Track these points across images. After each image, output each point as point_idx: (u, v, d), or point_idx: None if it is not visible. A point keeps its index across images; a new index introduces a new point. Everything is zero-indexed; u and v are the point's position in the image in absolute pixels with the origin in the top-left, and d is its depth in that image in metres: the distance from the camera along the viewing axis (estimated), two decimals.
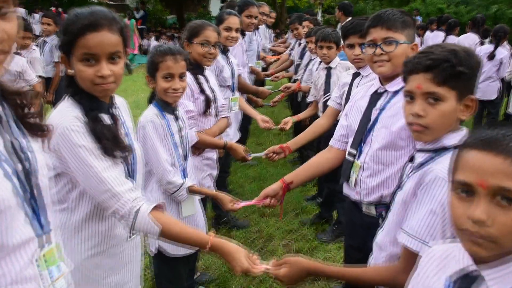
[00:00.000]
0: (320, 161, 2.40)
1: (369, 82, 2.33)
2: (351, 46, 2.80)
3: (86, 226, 1.67)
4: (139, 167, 1.80)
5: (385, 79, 2.09)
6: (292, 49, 6.70)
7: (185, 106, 2.75)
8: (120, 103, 1.83)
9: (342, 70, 3.83)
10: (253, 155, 3.07)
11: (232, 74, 3.76)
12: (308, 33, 4.87)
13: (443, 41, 7.97)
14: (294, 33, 6.24)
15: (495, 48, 6.85)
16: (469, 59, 1.45)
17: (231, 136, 3.84)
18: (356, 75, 2.94)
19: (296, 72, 5.84)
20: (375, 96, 2.12)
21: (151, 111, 2.38)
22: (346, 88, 2.93)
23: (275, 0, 25.39)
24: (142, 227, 1.57)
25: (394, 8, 2.08)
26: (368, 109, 2.12)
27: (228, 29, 3.66)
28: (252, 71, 5.66)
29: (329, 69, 3.92)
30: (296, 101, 5.59)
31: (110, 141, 1.58)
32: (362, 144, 2.12)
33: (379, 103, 2.09)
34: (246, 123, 5.06)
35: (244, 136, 5.73)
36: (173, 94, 2.35)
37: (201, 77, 2.94)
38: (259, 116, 3.85)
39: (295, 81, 5.79)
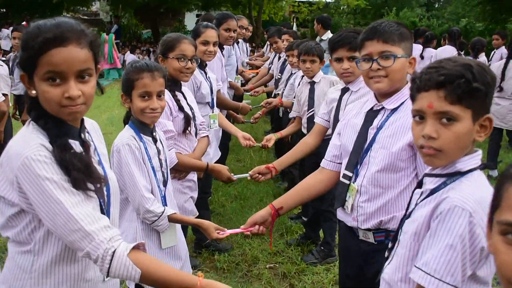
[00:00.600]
0: (311, 183, 2.23)
1: (363, 98, 2.18)
2: (339, 59, 2.66)
3: (54, 270, 1.44)
4: (114, 199, 1.59)
5: (382, 95, 1.95)
6: (271, 63, 6.58)
7: (164, 125, 2.56)
8: (91, 126, 1.63)
9: (326, 84, 3.70)
10: (237, 176, 2.88)
11: (211, 90, 3.57)
12: (289, 46, 4.74)
13: (421, 53, 7.97)
14: (273, 47, 6.12)
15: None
16: (484, 74, 1.30)
17: (211, 155, 3.64)
18: (344, 90, 2.79)
19: (276, 86, 5.71)
20: (371, 114, 1.97)
21: (127, 133, 2.17)
22: (335, 105, 2.77)
23: (251, 14, 25.45)
24: (120, 271, 1.35)
25: (390, 20, 1.96)
26: (364, 127, 1.97)
27: (206, 43, 3.47)
28: (232, 86, 5.49)
29: (312, 84, 3.78)
30: (277, 116, 5.44)
31: (81, 172, 1.37)
32: (358, 166, 1.97)
33: (376, 122, 1.94)
34: (225, 139, 4.88)
35: (224, 154, 5.53)
36: (151, 114, 2.16)
37: (178, 94, 2.76)
38: (240, 133, 3.67)
39: (275, 96, 5.65)
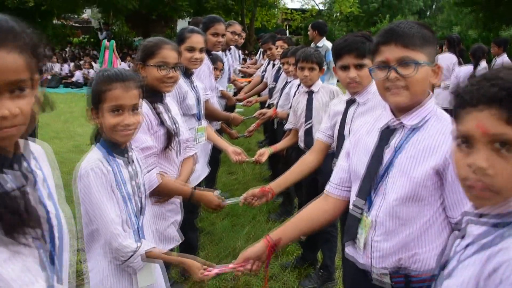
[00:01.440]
0: (314, 215, 1.89)
1: (375, 112, 1.85)
2: (345, 67, 2.32)
3: None
4: (67, 242, 1.24)
5: (400, 109, 1.61)
6: (265, 70, 6.25)
7: (142, 141, 2.22)
8: (40, 150, 1.28)
9: (326, 94, 3.38)
10: (228, 201, 2.54)
11: (198, 100, 3.23)
12: (284, 53, 4.41)
13: None
14: (267, 53, 5.79)
15: (475, 68, 6.58)
16: None
17: (199, 171, 3.30)
18: (350, 102, 2.46)
19: (270, 96, 5.38)
20: (387, 132, 1.64)
21: (95, 155, 1.82)
22: (339, 118, 2.45)
23: (244, 21, 25.26)
24: None
25: (409, 20, 1.64)
26: (379, 148, 1.63)
27: (191, 49, 3.11)
28: (223, 96, 5.16)
29: (310, 94, 3.45)
30: (271, 127, 5.09)
31: (13, 217, 1.02)
32: (372, 194, 1.63)
33: (394, 141, 1.61)
34: (215, 152, 4.54)
35: (215, 167, 5.19)
36: (124, 132, 1.82)
37: (160, 106, 2.42)
38: (230, 148, 3.34)
39: (269, 106, 5.32)
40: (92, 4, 25.25)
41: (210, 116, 3.83)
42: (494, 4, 24.71)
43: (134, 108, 1.85)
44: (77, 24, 32.25)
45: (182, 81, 2.98)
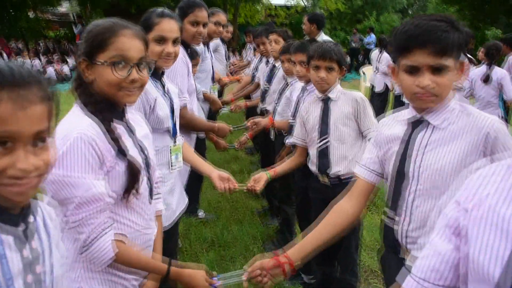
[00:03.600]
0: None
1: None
2: (415, 69, 1.44)
3: None
4: None
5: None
6: (256, 69, 5.41)
7: (86, 188, 1.38)
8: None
9: (348, 103, 2.57)
10: (221, 282, 1.69)
11: (172, 110, 2.34)
12: (285, 48, 3.57)
13: None
14: (260, 49, 4.93)
15: (490, 68, 5.87)
16: None
17: (174, 207, 2.44)
18: (417, 123, 1.59)
19: (262, 99, 4.52)
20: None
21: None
22: (396, 148, 1.60)
23: (227, 16, 24.37)
24: None
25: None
26: None
27: (161, 39, 2.23)
28: (206, 99, 4.31)
29: (326, 101, 2.64)
30: (266, 139, 4.24)
31: None
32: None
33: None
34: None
35: (197, 183, 4.36)
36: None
37: (118, 127, 1.55)
38: (215, 173, 2.50)
39: (262, 112, 4.48)
40: None
41: (189, 126, 2.99)
42: (480, 3, 24.52)
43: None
44: (54, 18, 30.93)
45: (150, 84, 2.13)
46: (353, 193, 1.72)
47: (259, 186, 2.60)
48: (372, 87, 9.47)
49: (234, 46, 22.61)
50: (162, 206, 1.89)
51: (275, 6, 29.40)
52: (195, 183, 4.42)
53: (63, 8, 30.20)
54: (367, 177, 1.70)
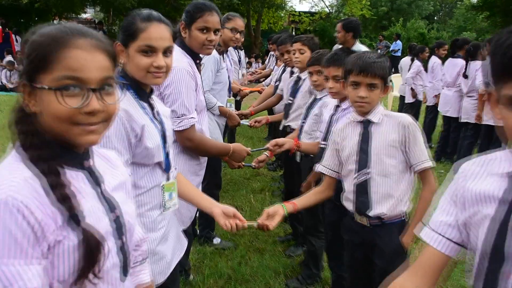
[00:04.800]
0: None
1: None
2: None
3: None
4: None
5: None
6: (279, 79, 4.95)
7: (19, 278, 0.92)
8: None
9: (393, 128, 2.09)
10: None
11: (164, 138, 1.82)
12: (315, 59, 3.08)
13: (466, 68, 6.35)
14: (284, 58, 4.44)
15: None
16: None
17: (169, 255, 1.95)
18: None
19: (286, 115, 4.00)
20: None
21: None
22: (488, 211, 1.10)
23: (249, 23, 24.11)
24: None
25: None
26: None
27: (148, 50, 1.75)
28: (223, 114, 3.86)
29: (366, 125, 2.15)
30: (293, 161, 3.71)
31: None
32: None
33: None
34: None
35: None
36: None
37: (72, 176, 1.09)
38: (217, 209, 1.98)
39: (285, 130, 3.97)
40: (90, 3, 24.17)
41: (198, 150, 2.53)
42: None
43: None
44: (80, 25, 31.26)
45: (135, 108, 1.68)
46: (420, 268, 1.22)
47: (273, 224, 2.11)
48: (401, 97, 8.91)
49: (257, 53, 22.24)
50: (148, 277, 1.43)
51: (299, 12, 28.96)
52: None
53: (88, 14, 30.44)
54: (441, 247, 1.20)
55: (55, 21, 24.30)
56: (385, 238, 2.18)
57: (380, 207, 2.12)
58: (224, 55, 4.04)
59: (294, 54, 3.87)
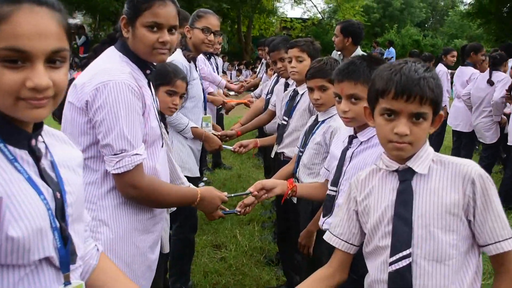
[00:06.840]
0: None
1: None
2: None
3: None
4: None
5: None
6: (271, 92, 4.15)
7: None
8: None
9: (453, 183, 1.30)
10: None
11: (61, 209, 1.03)
12: (317, 70, 2.30)
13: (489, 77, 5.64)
14: (278, 66, 3.64)
15: None
16: None
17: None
18: None
19: (279, 140, 3.19)
20: None
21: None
22: None
23: (240, 28, 23.52)
24: None
25: None
26: None
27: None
28: (197, 137, 3.06)
29: (406, 176, 1.37)
30: (288, 202, 2.88)
31: None
32: None
33: None
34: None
35: (185, 258, 3.12)
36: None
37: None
38: None
39: (276, 155, 3.17)
40: (75, 7, 23.43)
41: (149, 200, 1.73)
42: (508, 17, 23.49)
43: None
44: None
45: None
46: None
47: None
48: None
49: (247, 59, 21.55)
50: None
51: (291, 19, 28.39)
52: (185, 248, 3.19)
53: (77, 20, 29.68)
54: None
55: None
56: None
57: None
58: (198, 61, 3.24)
59: (290, 62, 3.08)
